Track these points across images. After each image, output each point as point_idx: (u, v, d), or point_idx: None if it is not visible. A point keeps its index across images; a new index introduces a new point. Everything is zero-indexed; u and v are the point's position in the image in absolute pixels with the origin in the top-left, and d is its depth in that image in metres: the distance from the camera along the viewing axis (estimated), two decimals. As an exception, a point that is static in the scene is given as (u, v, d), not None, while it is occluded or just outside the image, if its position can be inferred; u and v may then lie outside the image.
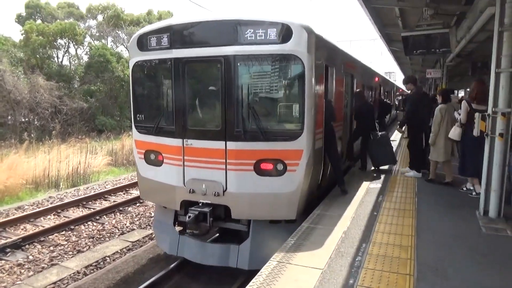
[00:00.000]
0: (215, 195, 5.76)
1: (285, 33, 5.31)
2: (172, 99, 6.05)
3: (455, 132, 6.72)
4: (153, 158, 6.40)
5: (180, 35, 5.91)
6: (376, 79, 14.08)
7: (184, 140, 5.93)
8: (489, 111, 5.23)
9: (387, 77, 22.69)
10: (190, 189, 5.93)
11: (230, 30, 5.51)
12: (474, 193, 6.63)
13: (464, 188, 6.95)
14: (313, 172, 5.86)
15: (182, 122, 5.93)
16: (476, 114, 5.42)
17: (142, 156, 6.54)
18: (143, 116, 6.62)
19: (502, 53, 5.00)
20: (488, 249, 4.44)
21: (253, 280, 3.71)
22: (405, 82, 8.77)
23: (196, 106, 6.17)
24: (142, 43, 6.25)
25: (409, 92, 8.77)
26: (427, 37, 8.72)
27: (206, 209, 5.84)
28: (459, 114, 6.72)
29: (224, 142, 5.66)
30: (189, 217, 5.82)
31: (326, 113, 6.36)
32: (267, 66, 5.73)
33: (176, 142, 5.99)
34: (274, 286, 3.59)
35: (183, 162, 5.99)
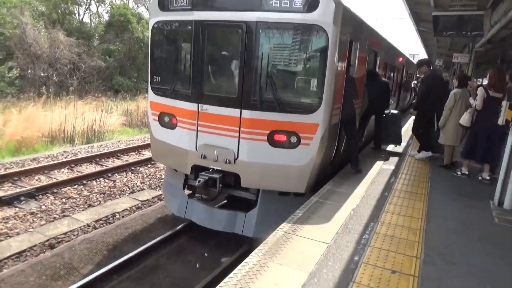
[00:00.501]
0: (226, 162, 5.76)
1: (312, 2, 5.09)
2: (190, 63, 5.94)
3: (465, 118, 6.70)
4: (167, 120, 6.39)
5: None
6: (400, 59, 13.65)
7: (200, 105, 5.87)
8: (518, 100, 5.01)
9: (411, 59, 22.00)
10: (201, 154, 5.93)
11: None
12: (459, 173, 7.02)
13: (459, 173, 7.06)
14: (327, 148, 5.79)
15: (199, 86, 5.85)
16: (504, 103, 5.21)
17: (157, 118, 6.53)
18: (160, 77, 6.55)
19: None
20: (500, 239, 4.37)
21: (259, 247, 3.73)
22: (419, 64, 8.49)
23: (214, 72, 6.07)
24: (164, 3, 6.10)
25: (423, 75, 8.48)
26: (460, 18, 8.33)
27: (216, 175, 5.86)
28: (475, 100, 6.58)
29: (239, 110, 5.58)
30: (199, 181, 5.86)
31: (347, 90, 6.20)
32: (290, 35, 5.53)
33: (191, 106, 5.94)
34: (279, 255, 3.60)
35: (197, 127, 5.96)
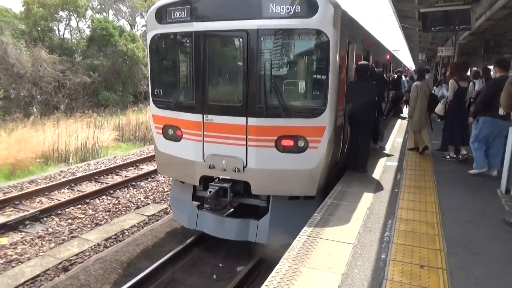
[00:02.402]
0: (235, 171, 5.78)
1: (311, 7, 5.18)
2: (192, 74, 5.97)
3: (439, 108, 7.51)
4: (171, 133, 6.38)
5: (201, 7, 5.77)
6: (388, 56, 13.92)
7: (204, 115, 5.89)
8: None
9: (396, 55, 22.42)
10: (210, 165, 5.94)
11: (254, 3, 5.38)
12: (448, 157, 7.67)
13: (448, 157, 7.68)
14: (334, 149, 5.87)
15: (202, 97, 5.87)
16: (503, 94, 5.36)
17: (160, 131, 6.52)
18: (161, 90, 6.55)
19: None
20: (513, 226, 4.50)
21: (286, 253, 3.77)
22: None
23: (217, 81, 6.11)
24: (161, 16, 6.12)
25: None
26: (446, 13, 8.54)
27: (227, 185, 5.88)
28: (447, 91, 7.44)
29: (245, 118, 5.63)
30: (209, 192, 5.86)
31: (367, 92, 6.49)
32: (291, 41, 5.63)
33: (196, 117, 5.96)
34: (308, 259, 3.65)
35: (203, 138, 5.97)
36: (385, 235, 4.19)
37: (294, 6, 5.21)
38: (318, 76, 5.64)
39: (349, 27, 6.20)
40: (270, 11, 5.27)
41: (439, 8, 8.43)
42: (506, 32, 13.60)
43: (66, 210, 8.12)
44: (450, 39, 16.14)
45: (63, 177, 10.43)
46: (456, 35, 14.04)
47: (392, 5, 11.25)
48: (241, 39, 5.55)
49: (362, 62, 6.99)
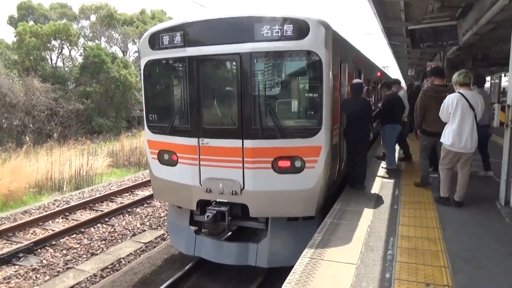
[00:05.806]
0: (232, 193, 5.71)
1: (302, 29, 5.25)
2: (186, 98, 5.97)
3: None
4: (167, 158, 6.33)
5: (194, 33, 5.83)
6: (378, 74, 14.12)
7: (200, 139, 5.86)
8: (509, 102, 5.22)
9: (386, 72, 22.75)
10: (206, 189, 5.88)
11: (246, 27, 5.45)
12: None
13: None
14: (331, 168, 5.85)
15: (197, 121, 5.85)
16: (496, 105, 5.42)
17: (156, 156, 6.47)
18: (156, 115, 6.53)
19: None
20: (516, 238, 4.46)
21: (289, 278, 3.67)
22: None
23: (211, 105, 6.11)
24: (154, 42, 6.16)
25: None
26: (434, 29, 8.69)
27: (224, 208, 5.80)
28: None
29: (241, 140, 5.60)
30: (207, 216, 5.78)
31: (363, 112, 6.48)
32: (284, 63, 5.68)
33: (191, 141, 5.92)
34: (311, 282, 3.56)
35: (199, 162, 5.92)
36: (388, 253, 4.12)
37: (286, 29, 5.27)
38: (312, 97, 5.67)
39: (340, 47, 6.28)
40: (262, 34, 5.33)
41: (427, 25, 8.59)
42: (493, 45, 13.89)
43: (61, 240, 7.94)
44: (438, 54, 16.43)
45: (57, 206, 10.25)
46: (445, 50, 14.30)
47: (380, 23, 11.47)
48: (234, 62, 5.59)
49: (357, 80, 7.09)
